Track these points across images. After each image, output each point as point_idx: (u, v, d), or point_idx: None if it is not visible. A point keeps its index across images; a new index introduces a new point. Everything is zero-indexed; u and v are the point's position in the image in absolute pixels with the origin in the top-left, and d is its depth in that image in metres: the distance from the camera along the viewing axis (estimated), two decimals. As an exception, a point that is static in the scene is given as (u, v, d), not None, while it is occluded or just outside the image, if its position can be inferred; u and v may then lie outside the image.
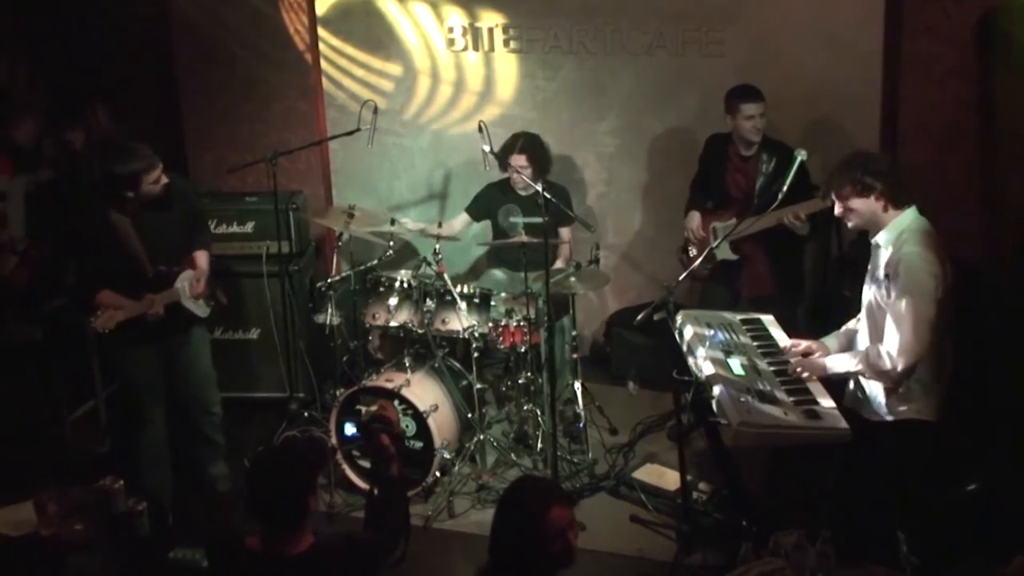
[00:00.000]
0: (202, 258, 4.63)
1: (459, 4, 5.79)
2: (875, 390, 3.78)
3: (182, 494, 4.70)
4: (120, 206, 4.24)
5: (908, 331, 3.55)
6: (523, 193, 5.26)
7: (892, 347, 3.59)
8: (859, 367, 3.73)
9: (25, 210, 5.47)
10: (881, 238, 3.70)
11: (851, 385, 3.90)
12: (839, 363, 3.83)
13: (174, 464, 4.73)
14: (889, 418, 3.75)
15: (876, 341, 3.72)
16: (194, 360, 4.66)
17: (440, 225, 5.16)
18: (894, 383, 3.68)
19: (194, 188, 4.76)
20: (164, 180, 4.26)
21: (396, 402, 4.64)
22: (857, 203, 3.67)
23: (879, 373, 3.66)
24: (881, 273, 3.71)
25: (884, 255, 3.70)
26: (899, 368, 3.59)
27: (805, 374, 3.85)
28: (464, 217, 5.53)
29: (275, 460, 3.01)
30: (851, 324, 4.07)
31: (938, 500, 3.82)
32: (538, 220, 4.63)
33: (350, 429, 4.74)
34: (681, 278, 4.12)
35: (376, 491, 3.24)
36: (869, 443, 3.72)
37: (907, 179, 3.73)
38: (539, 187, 4.63)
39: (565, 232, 5.35)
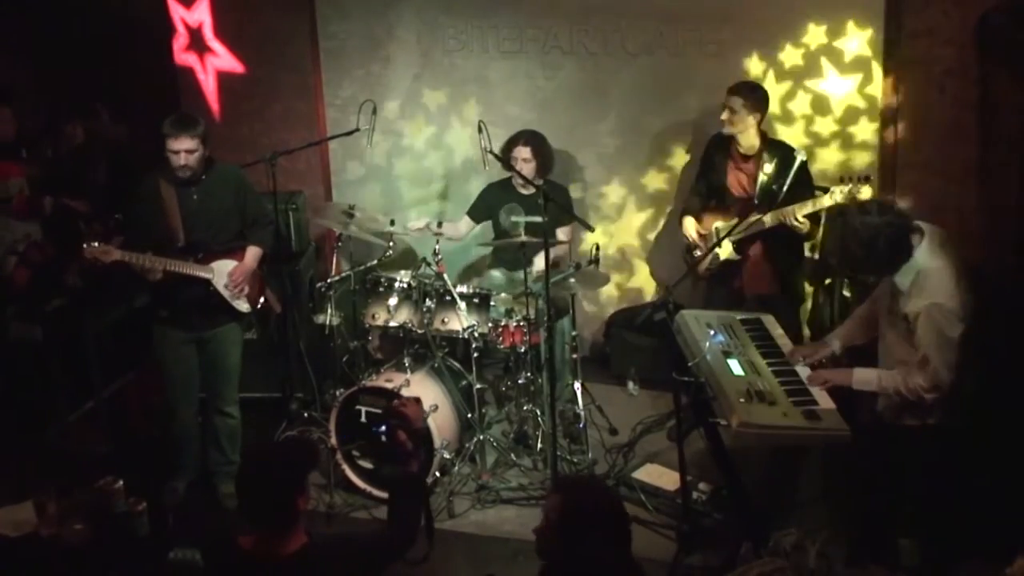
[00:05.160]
0: (251, 254, 4.63)
1: (459, 4, 5.79)
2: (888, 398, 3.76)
3: (188, 494, 4.73)
4: (169, 174, 4.39)
5: (938, 368, 3.53)
6: (524, 192, 5.26)
7: (924, 381, 3.57)
8: (887, 389, 3.68)
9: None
10: (897, 280, 3.63)
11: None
12: (866, 380, 3.76)
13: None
14: (902, 422, 3.74)
15: (897, 366, 3.68)
16: (220, 353, 4.66)
17: (440, 225, 5.15)
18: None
19: (248, 186, 4.76)
20: (186, 159, 4.33)
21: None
22: None
23: (908, 399, 3.63)
24: (899, 313, 3.65)
25: (902, 298, 3.63)
26: (929, 398, 3.59)
27: (828, 385, 3.82)
28: (467, 220, 5.51)
29: (262, 461, 2.99)
30: (860, 311, 4.06)
31: (941, 502, 3.82)
32: (539, 219, 4.62)
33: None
34: (681, 279, 4.11)
35: (392, 489, 3.23)
36: (875, 446, 3.73)
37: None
38: (538, 183, 4.62)
39: (562, 233, 5.30)
